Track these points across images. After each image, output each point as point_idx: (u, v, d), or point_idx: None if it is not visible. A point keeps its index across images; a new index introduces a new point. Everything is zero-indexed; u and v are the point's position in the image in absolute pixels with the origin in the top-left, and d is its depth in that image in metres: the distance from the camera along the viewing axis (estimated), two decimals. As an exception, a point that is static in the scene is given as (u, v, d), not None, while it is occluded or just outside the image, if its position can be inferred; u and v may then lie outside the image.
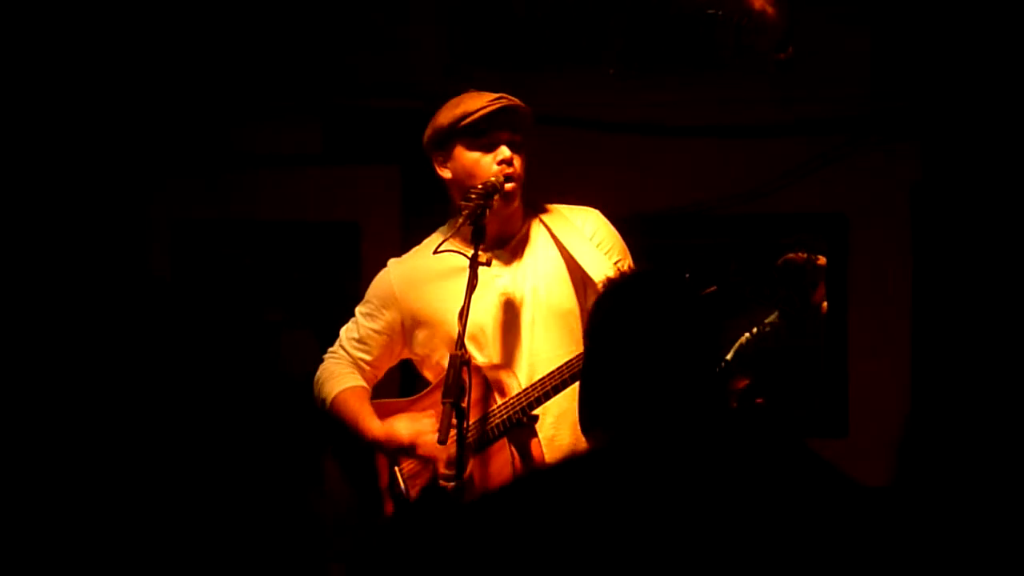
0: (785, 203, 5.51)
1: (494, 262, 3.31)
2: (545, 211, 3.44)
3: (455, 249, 3.23)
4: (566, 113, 5.37)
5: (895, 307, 5.39)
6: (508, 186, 3.27)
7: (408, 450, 3.29)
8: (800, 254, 5.18)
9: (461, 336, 3.02)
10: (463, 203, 3.20)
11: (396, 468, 3.37)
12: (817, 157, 5.45)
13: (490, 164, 3.27)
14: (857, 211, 5.52)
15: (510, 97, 3.32)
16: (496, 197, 3.23)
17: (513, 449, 3.21)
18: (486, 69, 5.42)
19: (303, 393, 3.69)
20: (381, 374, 3.57)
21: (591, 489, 1.74)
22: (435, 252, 3.26)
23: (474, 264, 3.10)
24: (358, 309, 3.52)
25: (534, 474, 2.13)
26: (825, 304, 5.47)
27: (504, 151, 3.28)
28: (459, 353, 3.00)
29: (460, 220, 3.19)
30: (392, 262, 3.51)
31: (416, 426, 3.28)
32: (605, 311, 2.12)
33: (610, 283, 2.21)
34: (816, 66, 5.39)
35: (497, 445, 3.22)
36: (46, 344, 5.69)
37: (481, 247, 3.20)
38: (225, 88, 5.75)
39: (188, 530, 5.63)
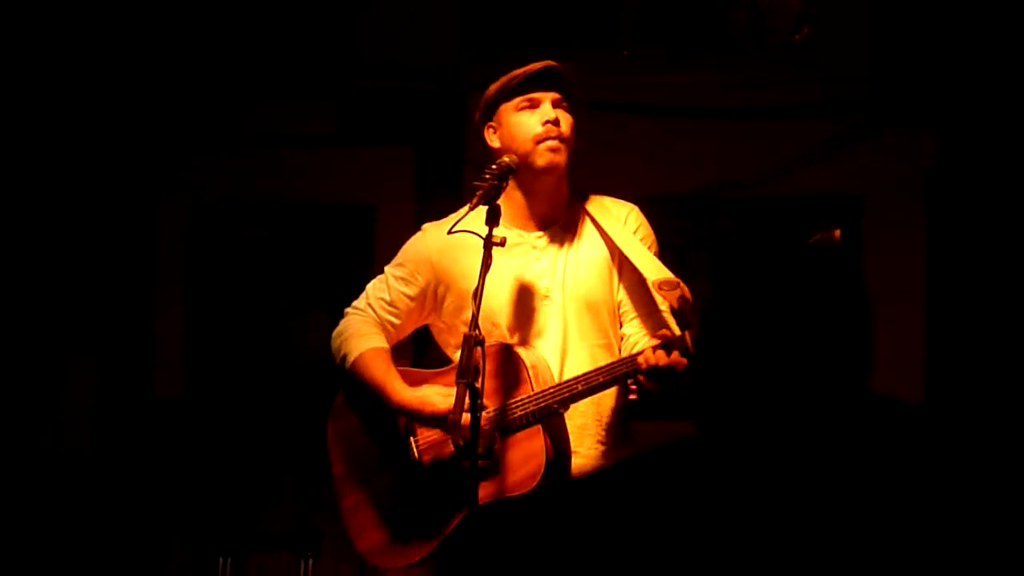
0: (800, 186, 5.49)
1: (536, 244, 3.28)
2: (588, 200, 3.39)
3: (469, 230, 3.19)
4: (583, 95, 5.35)
5: (910, 288, 5.37)
6: (551, 146, 3.22)
7: (438, 420, 3.23)
8: (823, 233, 5.17)
9: (475, 316, 2.99)
10: (476, 182, 3.16)
11: (412, 438, 3.33)
12: (832, 140, 5.43)
13: (535, 124, 3.24)
14: (873, 193, 5.49)
15: (555, 63, 3.29)
16: (511, 178, 3.20)
17: (547, 436, 3.17)
18: (500, 51, 5.40)
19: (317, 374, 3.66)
20: (404, 336, 3.51)
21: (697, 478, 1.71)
22: (449, 232, 3.23)
23: (488, 244, 3.07)
24: (389, 270, 3.44)
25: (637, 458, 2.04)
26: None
27: (548, 110, 3.23)
28: (473, 334, 2.96)
29: (475, 199, 3.15)
30: (428, 226, 3.45)
31: (450, 400, 3.20)
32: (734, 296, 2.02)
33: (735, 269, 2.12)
34: (834, 48, 5.36)
35: (530, 431, 3.17)
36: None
37: (514, 226, 3.18)
38: (240, 71, 5.74)
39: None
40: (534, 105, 3.26)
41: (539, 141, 3.23)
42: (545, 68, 3.27)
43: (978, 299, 5.16)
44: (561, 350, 3.27)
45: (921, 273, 5.37)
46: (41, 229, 5.67)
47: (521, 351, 3.22)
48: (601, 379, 3.14)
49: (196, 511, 5.68)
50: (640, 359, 3.08)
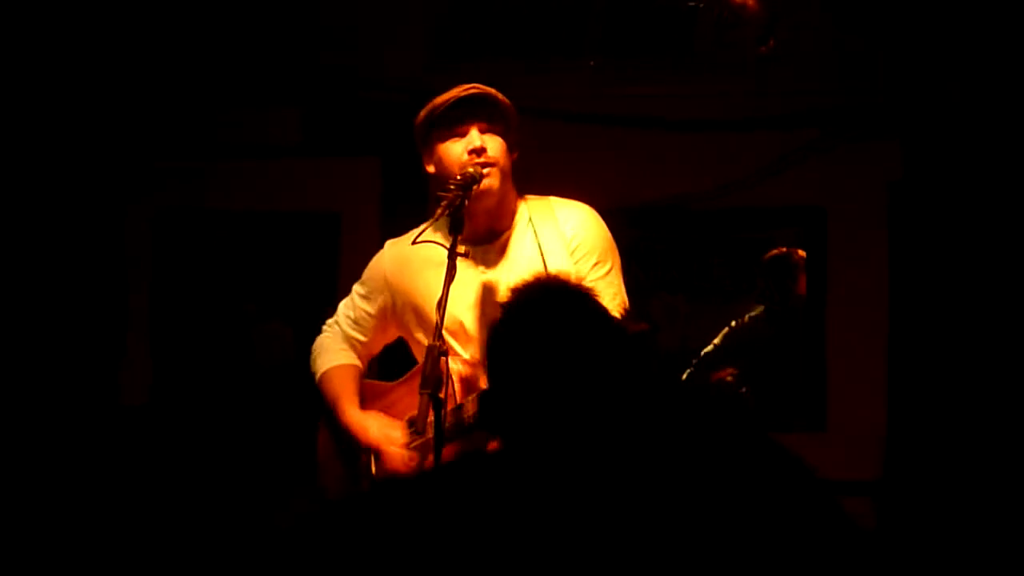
0: (764, 197, 5.52)
1: (483, 259, 3.31)
2: (536, 206, 3.41)
3: (434, 240, 3.22)
4: (545, 105, 5.37)
5: (874, 301, 5.40)
6: (485, 171, 3.25)
7: (372, 451, 3.32)
8: (782, 248, 5.21)
9: (439, 327, 3.02)
10: (441, 193, 3.18)
11: (372, 453, 3.37)
12: (797, 151, 5.46)
13: (461, 153, 3.26)
14: (836, 206, 5.52)
15: (481, 86, 3.31)
16: (475, 188, 3.21)
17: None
18: (468, 62, 5.41)
19: (280, 383, 3.70)
20: (376, 351, 3.59)
21: (476, 492, 1.73)
22: (413, 243, 3.25)
23: (452, 255, 3.09)
24: (355, 288, 3.53)
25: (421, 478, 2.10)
26: (804, 298, 5.49)
27: (473, 139, 3.25)
28: (437, 344, 2.99)
29: (439, 211, 3.17)
30: (390, 243, 3.50)
31: (387, 430, 3.31)
32: (509, 321, 2.11)
33: (514, 292, 2.21)
34: (798, 60, 5.39)
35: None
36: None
37: (465, 239, 3.20)
38: (207, 78, 5.73)
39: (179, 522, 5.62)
40: (460, 134, 3.29)
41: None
42: (468, 95, 3.29)
43: (941, 310, 5.20)
44: None
45: (884, 285, 5.40)
46: (7, 234, 5.65)
47: (458, 363, 3.26)
48: None
49: (162, 518, 5.66)
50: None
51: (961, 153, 5.20)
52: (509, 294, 2.22)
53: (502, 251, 3.36)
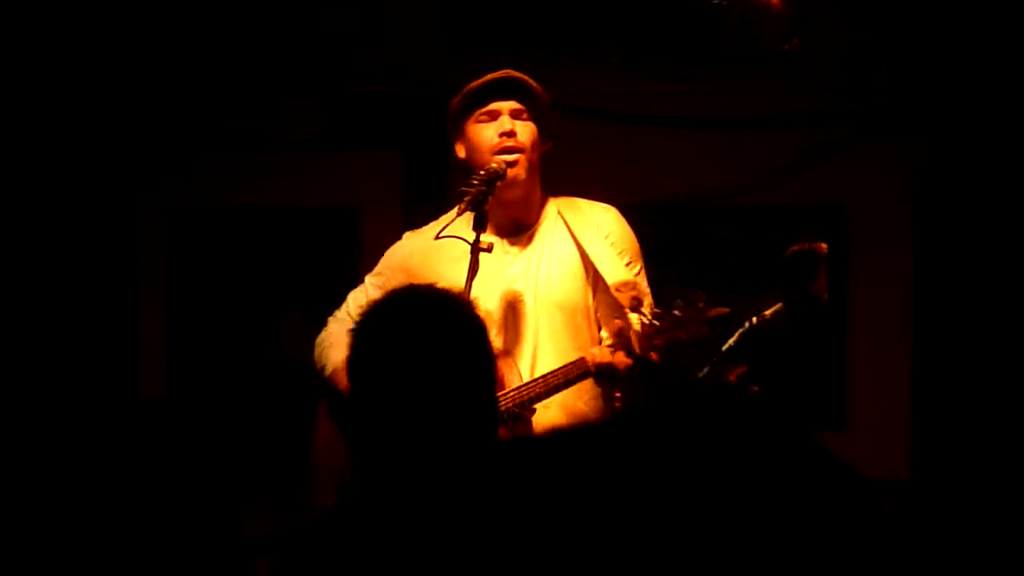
0: (785, 195, 5.50)
1: (509, 250, 3.31)
2: (565, 203, 3.42)
3: (456, 235, 3.21)
4: (565, 102, 5.36)
5: (895, 299, 5.39)
6: (510, 159, 3.25)
7: None
8: (804, 244, 5.20)
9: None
10: (464, 188, 3.18)
11: None
12: (817, 148, 5.44)
13: (492, 135, 3.27)
14: (857, 203, 5.51)
15: (515, 72, 3.32)
16: (499, 183, 3.22)
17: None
18: (486, 56, 5.40)
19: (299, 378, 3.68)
20: None
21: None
22: (436, 237, 3.25)
23: (475, 250, 3.10)
24: (368, 279, 3.50)
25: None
26: (826, 295, 5.46)
27: (505, 121, 3.27)
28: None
29: (462, 205, 3.17)
30: (408, 235, 3.50)
31: None
32: (365, 339, 2.06)
33: (369, 306, 2.18)
34: (820, 58, 5.37)
35: (515, 426, 3.20)
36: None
37: (492, 233, 3.20)
38: (225, 73, 5.73)
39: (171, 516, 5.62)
40: (492, 117, 3.29)
41: (495, 153, 3.26)
42: (503, 78, 3.30)
43: (966, 306, 5.17)
44: (532, 354, 3.30)
45: (907, 281, 5.38)
46: (23, 232, 5.65)
47: None
48: (556, 380, 3.19)
49: (178, 512, 5.65)
50: (587, 358, 3.13)
51: (986, 146, 5.18)
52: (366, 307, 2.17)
53: (528, 243, 3.36)
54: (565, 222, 3.36)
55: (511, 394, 3.20)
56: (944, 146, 5.27)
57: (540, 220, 3.38)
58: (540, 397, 3.20)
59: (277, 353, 5.83)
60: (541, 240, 3.36)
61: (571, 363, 3.20)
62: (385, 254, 3.52)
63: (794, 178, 5.45)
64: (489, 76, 3.31)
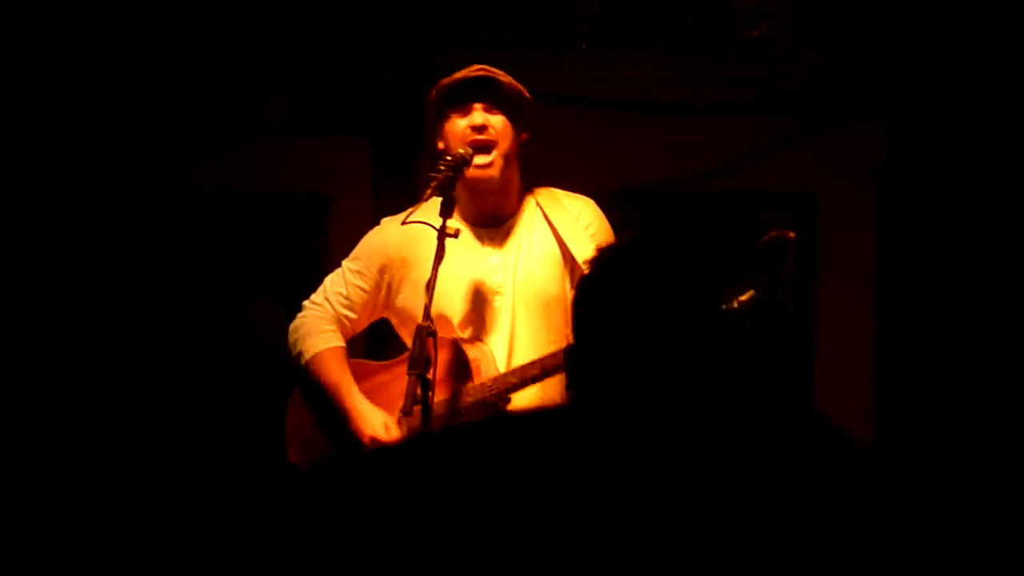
0: (754, 181, 5.52)
1: (488, 242, 3.34)
2: (544, 195, 3.46)
3: (423, 220, 3.23)
4: (535, 88, 5.35)
5: (863, 286, 5.41)
6: (479, 157, 3.28)
7: (361, 441, 3.32)
8: (773, 231, 5.20)
9: (427, 308, 3.04)
10: (431, 174, 3.21)
11: None
12: (787, 135, 5.45)
13: (463, 129, 3.31)
14: (826, 190, 5.52)
15: (489, 68, 3.36)
16: (466, 170, 3.24)
17: None
18: (458, 42, 5.39)
19: (269, 364, 3.68)
20: (359, 331, 3.59)
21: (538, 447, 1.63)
22: (403, 223, 3.26)
23: (441, 235, 3.11)
24: (346, 264, 3.52)
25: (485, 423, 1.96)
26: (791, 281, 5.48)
27: (475, 116, 3.31)
28: (425, 324, 3.02)
29: (428, 190, 3.19)
30: (386, 220, 3.52)
31: (390, 424, 3.28)
32: (601, 272, 2.02)
33: (607, 246, 2.16)
34: (789, 45, 5.39)
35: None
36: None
37: (466, 222, 3.23)
38: (192, 58, 5.70)
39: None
40: (466, 112, 3.33)
41: (467, 145, 3.30)
42: (473, 76, 3.34)
43: (929, 297, 5.21)
44: (508, 346, 3.32)
45: (870, 269, 5.41)
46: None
47: (466, 346, 3.26)
48: (533, 371, 3.22)
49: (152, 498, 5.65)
50: (566, 349, 3.15)
51: (949, 137, 5.20)
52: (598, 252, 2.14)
53: (507, 235, 3.38)
54: (544, 214, 3.40)
55: (488, 384, 3.22)
56: (906, 136, 5.29)
57: (520, 212, 3.42)
58: (517, 387, 3.23)
59: (246, 338, 5.82)
60: (520, 232, 3.39)
61: (549, 354, 3.23)
62: (363, 239, 3.55)
63: (763, 164, 5.47)
64: (461, 73, 3.36)
